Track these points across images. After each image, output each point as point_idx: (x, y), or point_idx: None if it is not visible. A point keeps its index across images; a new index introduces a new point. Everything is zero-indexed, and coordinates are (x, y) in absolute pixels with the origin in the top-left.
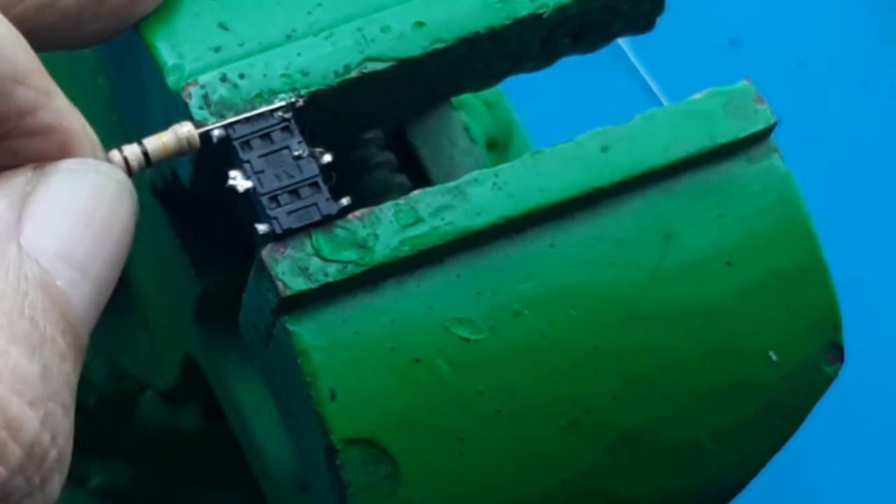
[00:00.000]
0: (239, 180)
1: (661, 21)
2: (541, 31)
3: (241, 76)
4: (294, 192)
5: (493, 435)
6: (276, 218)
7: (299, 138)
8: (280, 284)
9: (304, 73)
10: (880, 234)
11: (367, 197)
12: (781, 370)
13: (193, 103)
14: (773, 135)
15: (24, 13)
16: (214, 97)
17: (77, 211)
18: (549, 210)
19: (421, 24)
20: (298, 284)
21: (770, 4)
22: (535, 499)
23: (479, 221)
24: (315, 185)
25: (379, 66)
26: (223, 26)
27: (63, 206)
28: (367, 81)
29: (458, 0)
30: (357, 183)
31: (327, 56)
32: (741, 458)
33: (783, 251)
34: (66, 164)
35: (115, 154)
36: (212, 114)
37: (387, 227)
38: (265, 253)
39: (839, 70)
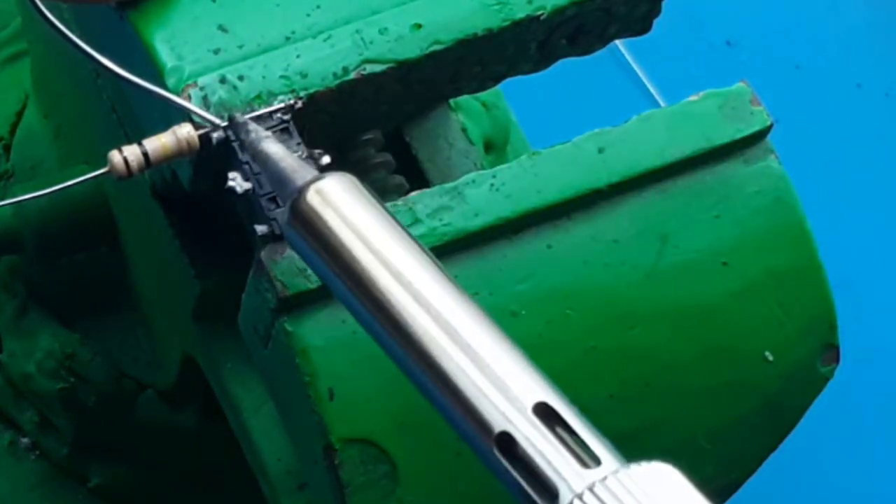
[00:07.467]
0: (238, 181)
1: (658, 23)
2: (538, 34)
3: (241, 78)
4: None
5: None
6: (275, 219)
7: (298, 140)
8: (279, 285)
9: (303, 75)
10: (876, 234)
11: None
12: (777, 370)
13: (193, 105)
14: (769, 136)
15: None
16: (214, 99)
17: None
18: (546, 211)
19: (419, 26)
20: (297, 285)
21: (766, 6)
22: None
23: (476, 222)
24: None
25: (377, 67)
26: (222, 28)
27: None
28: (366, 83)
29: (455, 2)
30: None
31: (326, 58)
32: (737, 458)
33: (779, 252)
34: None
35: (115, 154)
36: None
37: None
38: (264, 254)
39: (835, 71)
